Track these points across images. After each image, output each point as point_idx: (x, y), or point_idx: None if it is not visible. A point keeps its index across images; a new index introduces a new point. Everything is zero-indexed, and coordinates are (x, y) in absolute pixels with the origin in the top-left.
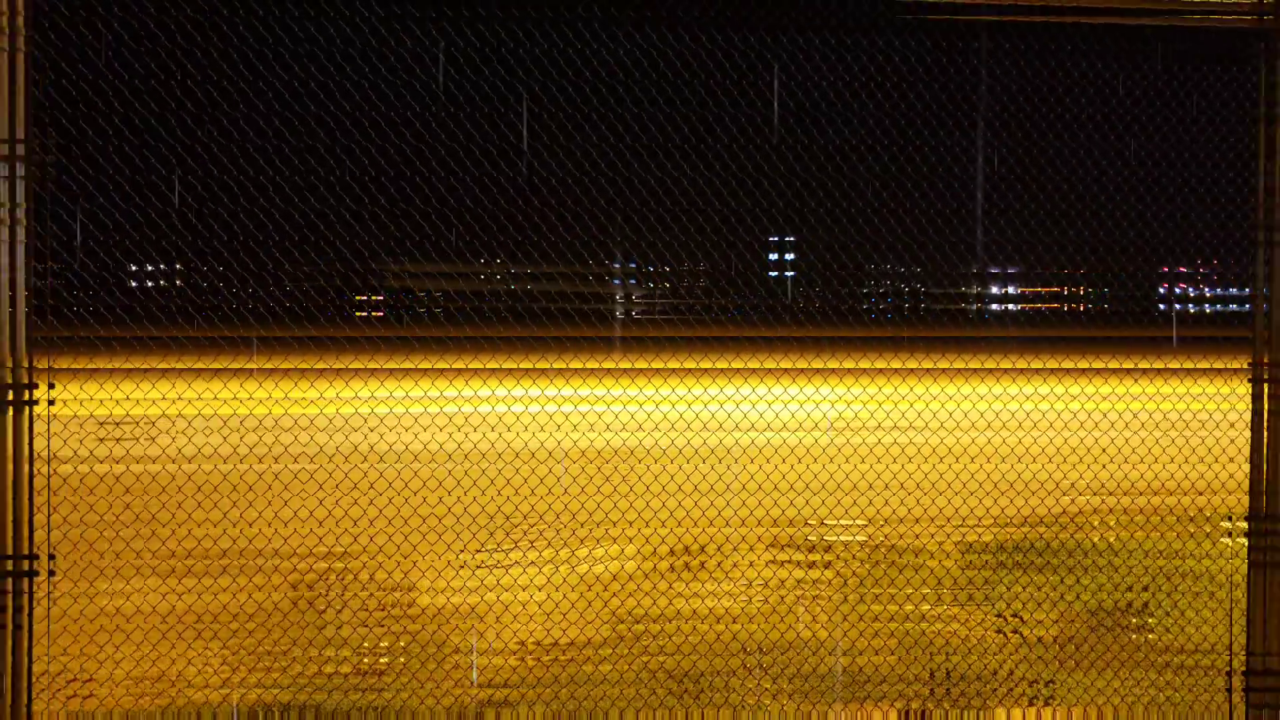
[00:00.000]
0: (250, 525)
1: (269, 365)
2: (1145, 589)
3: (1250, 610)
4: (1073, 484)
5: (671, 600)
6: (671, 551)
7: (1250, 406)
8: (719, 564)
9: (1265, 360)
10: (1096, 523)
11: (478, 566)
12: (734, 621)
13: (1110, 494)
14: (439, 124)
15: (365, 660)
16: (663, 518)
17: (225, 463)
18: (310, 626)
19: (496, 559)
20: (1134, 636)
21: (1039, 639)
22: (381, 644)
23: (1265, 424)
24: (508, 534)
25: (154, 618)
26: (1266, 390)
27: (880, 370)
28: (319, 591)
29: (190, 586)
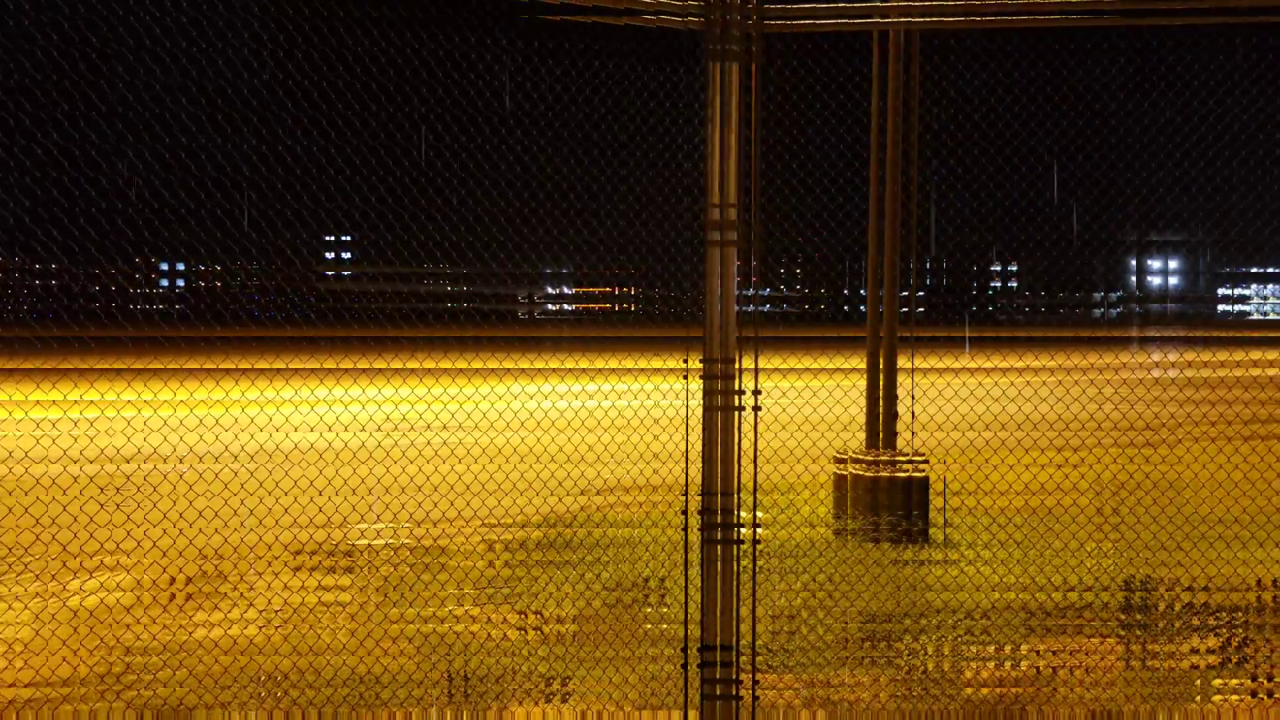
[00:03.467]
0: None
1: None
2: (661, 577)
3: (704, 585)
4: (589, 481)
5: (174, 632)
6: (178, 580)
7: (702, 402)
8: (235, 584)
9: (716, 357)
10: (617, 516)
11: None
12: (240, 652)
13: (632, 488)
14: None
15: None
16: (181, 534)
17: None
18: None
19: None
20: (645, 612)
21: (558, 634)
22: None
23: (712, 418)
24: None
25: None
26: (717, 385)
27: (428, 370)
28: None
29: None
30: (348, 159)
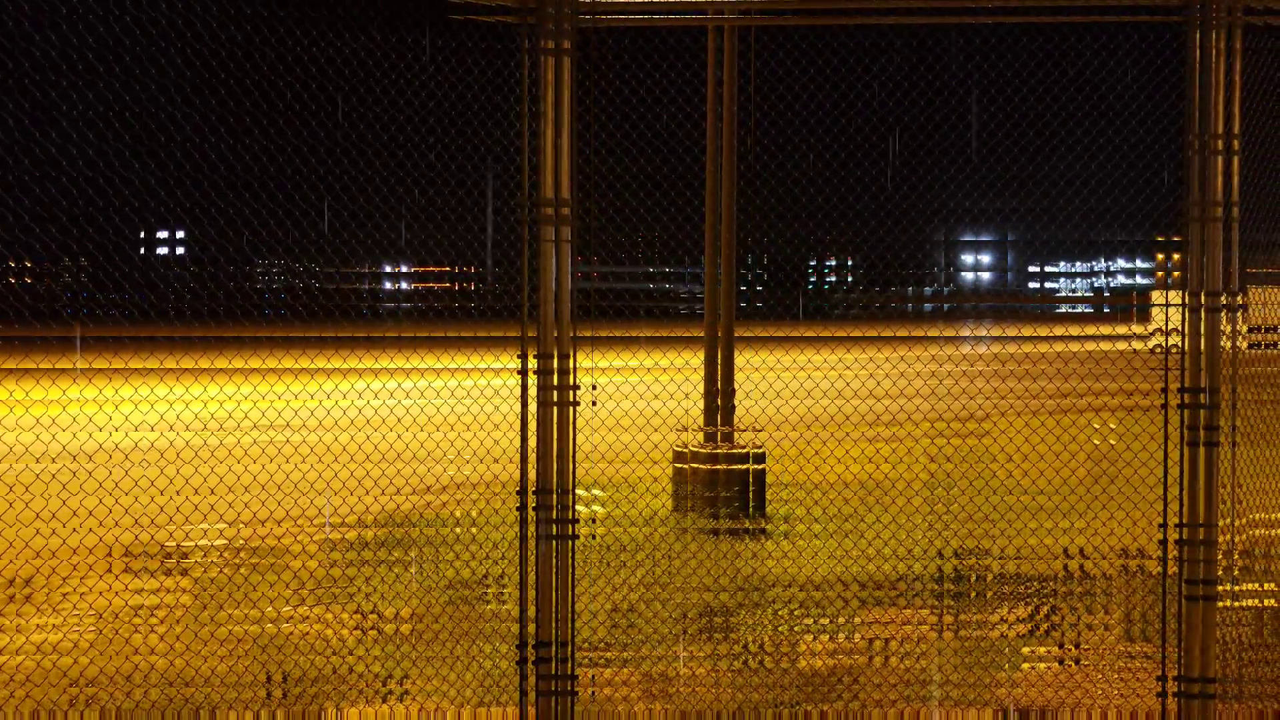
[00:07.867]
0: None
1: None
2: (499, 575)
3: (538, 581)
4: (422, 479)
5: None
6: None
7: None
8: (58, 586)
9: (551, 353)
10: (454, 514)
11: None
12: (63, 654)
13: (465, 485)
14: None
15: None
16: (0, 534)
17: None
18: None
19: None
20: (484, 609)
21: (395, 633)
22: None
23: (546, 414)
24: None
25: None
26: (552, 381)
27: (254, 370)
28: None
29: None
30: (167, 148)
